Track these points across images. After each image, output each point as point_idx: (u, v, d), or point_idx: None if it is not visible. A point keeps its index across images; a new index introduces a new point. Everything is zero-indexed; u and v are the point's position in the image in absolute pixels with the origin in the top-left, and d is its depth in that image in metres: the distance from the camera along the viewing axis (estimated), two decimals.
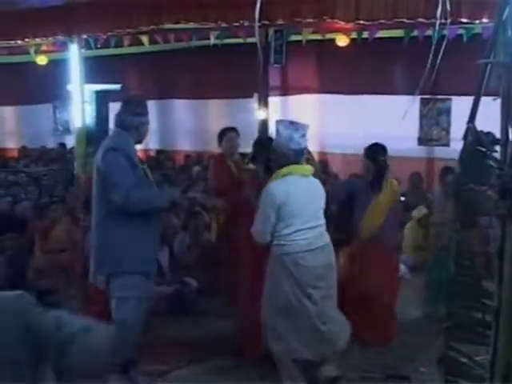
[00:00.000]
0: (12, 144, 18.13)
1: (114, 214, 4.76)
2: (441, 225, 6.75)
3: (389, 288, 6.09)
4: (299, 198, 4.71)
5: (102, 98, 14.34)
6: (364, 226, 6.04)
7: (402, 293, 7.23)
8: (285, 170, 4.73)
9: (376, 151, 6.12)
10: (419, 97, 10.73)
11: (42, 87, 16.04)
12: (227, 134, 6.70)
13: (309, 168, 4.87)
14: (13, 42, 12.09)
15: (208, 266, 7.46)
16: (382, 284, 5.92)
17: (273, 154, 4.85)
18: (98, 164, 4.81)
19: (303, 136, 4.74)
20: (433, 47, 7.90)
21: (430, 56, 7.81)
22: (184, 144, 14.96)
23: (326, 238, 4.83)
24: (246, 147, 6.58)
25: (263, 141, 5.96)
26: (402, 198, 10.27)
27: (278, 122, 4.86)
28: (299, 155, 4.76)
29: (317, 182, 4.93)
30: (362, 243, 6.04)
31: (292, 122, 4.83)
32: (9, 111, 18.53)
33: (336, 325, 4.79)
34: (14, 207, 9.55)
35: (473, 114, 3.33)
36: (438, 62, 7.63)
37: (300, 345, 4.68)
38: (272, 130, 5.57)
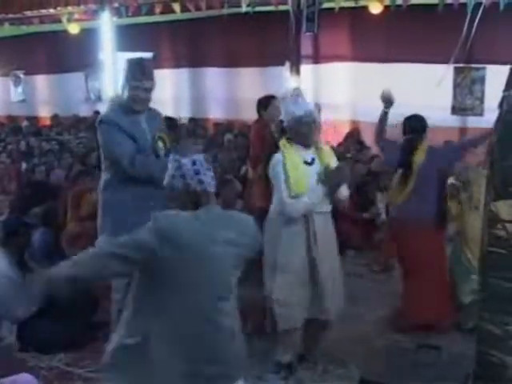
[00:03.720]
0: (45, 112, 18.27)
1: (114, 182, 4.81)
2: None
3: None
4: None
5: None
6: None
7: None
8: None
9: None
10: (453, 65, 10.60)
11: (74, 56, 16.11)
12: (273, 101, 6.62)
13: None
14: (45, 10, 12.14)
15: None
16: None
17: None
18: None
19: None
20: (468, 15, 7.77)
21: (465, 24, 7.69)
22: (216, 112, 14.95)
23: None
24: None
25: None
26: None
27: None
28: None
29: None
30: None
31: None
32: (41, 80, 18.65)
33: None
34: (49, 175, 9.65)
35: (509, 82, 3.27)
36: (474, 30, 7.51)
37: None
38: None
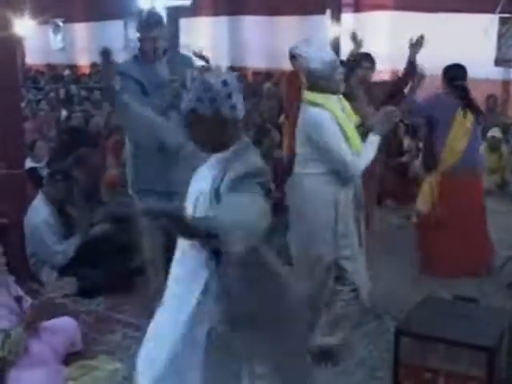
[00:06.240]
0: (83, 60, 18.31)
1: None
2: None
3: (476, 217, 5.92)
4: None
5: (173, 14, 14.27)
6: (448, 151, 5.75)
7: None
8: None
9: (456, 75, 5.86)
10: (498, 15, 10.34)
11: (113, 3, 16.06)
12: None
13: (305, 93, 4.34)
14: None
15: (278, 182, 7.46)
16: (469, 213, 5.78)
17: None
18: None
19: None
20: None
21: None
22: (255, 61, 14.84)
23: (296, 170, 4.39)
24: None
25: None
26: None
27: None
28: None
29: (310, 112, 4.25)
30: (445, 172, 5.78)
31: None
32: (80, 28, 18.64)
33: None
34: (88, 122, 9.72)
35: None
36: None
37: None
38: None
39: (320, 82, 4.22)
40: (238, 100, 2.60)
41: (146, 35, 4.78)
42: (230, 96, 2.57)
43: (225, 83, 2.57)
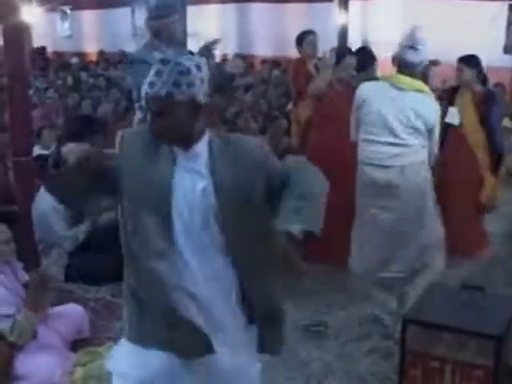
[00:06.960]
0: (91, 48, 18.30)
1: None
2: None
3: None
4: (378, 105, 4.54)
5: (180, 2, 14.23)
6: None
7: None
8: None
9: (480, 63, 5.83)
10: (508, 2, 10.28)
11: None
12: (307, 37, 6.66)
13: (409, 81, 4.47)
14: None
15: None
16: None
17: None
18: None
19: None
20: None
21: None
22: (263, 49, 14.80)
23: (408, 161, 4.48)
24: None
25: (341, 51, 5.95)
26: None
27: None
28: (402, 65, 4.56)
29: (422, 100, 4.47)
30: None
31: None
32: (88, 15, 18.62)
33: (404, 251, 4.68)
34: (96, 110, 9.72)
35: None
36: None
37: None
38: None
39: (425, 71, 4.68)
40: (207, 86, 2.41)
41: (161, 21, 4.71)
42: (203, 81, 2.38)
43: (198, 67, 2.38)
